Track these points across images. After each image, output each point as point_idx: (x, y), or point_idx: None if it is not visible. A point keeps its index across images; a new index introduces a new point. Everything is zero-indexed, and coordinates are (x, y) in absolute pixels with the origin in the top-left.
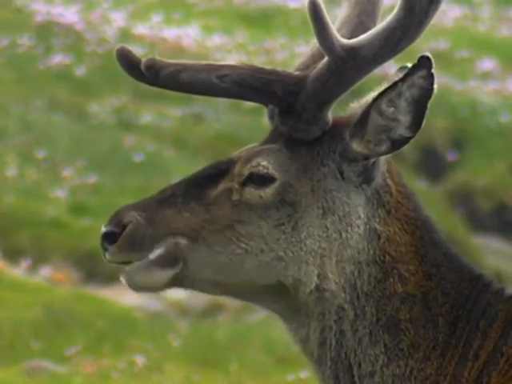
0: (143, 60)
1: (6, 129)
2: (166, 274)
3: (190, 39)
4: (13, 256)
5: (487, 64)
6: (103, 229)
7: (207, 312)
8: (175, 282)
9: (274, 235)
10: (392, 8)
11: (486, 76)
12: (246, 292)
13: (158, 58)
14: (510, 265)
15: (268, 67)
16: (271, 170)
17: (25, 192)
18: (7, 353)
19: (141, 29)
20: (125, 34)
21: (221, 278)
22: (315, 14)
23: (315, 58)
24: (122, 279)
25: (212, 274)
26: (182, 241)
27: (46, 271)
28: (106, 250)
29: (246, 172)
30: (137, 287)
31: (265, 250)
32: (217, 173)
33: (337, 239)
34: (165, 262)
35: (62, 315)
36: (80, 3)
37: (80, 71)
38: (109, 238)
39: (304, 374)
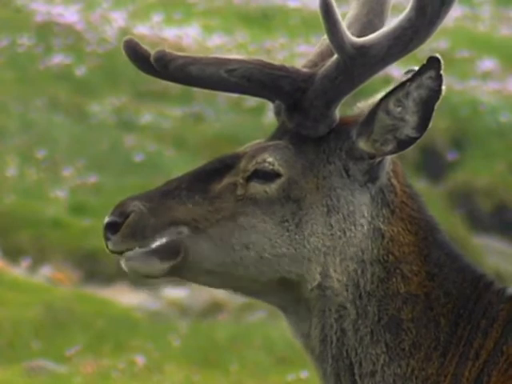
0: (153, 52)
1: (5, 129)
2: (164, 265)
3: (189, 39)
4: (13, 256)
5: (487, 64)
6: (106, 219)
7: (207, 312)
8: (174, 272)
9: (278, 232)
10: (396, 7)
11: (486, 76)
12: (245, 286)
13: (167, 50)
14: (510, 265)
15: (277, 63)
16: (277, 166)
17: (25, 192)
18: (7, 353)
19: (141, 29)
20: (125, 34)
21: (220, 270)
22: (327, 11)
23: (323, 56)
24: (122, 263)
25: (211, 266)
26: (184, 230)
27: (46, 271)
28: (108, 239)
29: (251, 168)
30: (135, 273)
31: (266, 247)
32: (222, 167)
33: (341, 237)
34: (165, 253)
35: (62, 315)
36: (80, 3)
37: (80, 71)
38: (112, 227)
39: (304, 374)
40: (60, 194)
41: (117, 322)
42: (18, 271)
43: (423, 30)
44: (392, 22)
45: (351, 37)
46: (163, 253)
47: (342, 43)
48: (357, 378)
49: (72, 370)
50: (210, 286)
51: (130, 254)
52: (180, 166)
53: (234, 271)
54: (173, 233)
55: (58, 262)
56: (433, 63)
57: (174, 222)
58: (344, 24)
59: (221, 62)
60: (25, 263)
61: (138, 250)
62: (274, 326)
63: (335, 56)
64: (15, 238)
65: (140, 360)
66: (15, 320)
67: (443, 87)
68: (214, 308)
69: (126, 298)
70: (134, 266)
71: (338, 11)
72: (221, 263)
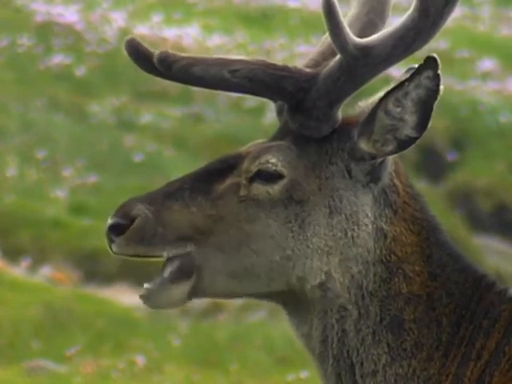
0: (156, 52)
1: (5, 129)
2: (183, 288)
3: (190, 39)
4: (13, 256)
5: (487, 64)
6: (109, 220)
7: (207, 312)
8: (193, 294)
9: (282, 233)
10: (396, 7)
11: (485, 76)
12: (258, 294)
13: (170, 51)
14: (510, 265)
15: (279, 63)
16: (280, 167)
17: (25, 192)
18: (7, 352)
19: (141, 29)
20: (125, 34)
21: (234, 284)
22: (329, 11)
23: (325, 55)
24: (142, 301)
25: (225, 280)
26: (193, 248)
27: (46, 271)
28: (112, 241)
29: (254, 168)
30: (157, 307)
31: (274, 250)
32: (224, 167)
33: (342, 238)
34: (179, 276)
35: (62, 315)
36: (80, 3)
37: (80, 71)
38: (115, 229)
39: (304, 373)
40: (60, 193)
41: (117, 321)
42: (18, 271)
43: (426, 30)
44: (395, 23)
45: (354, 37)
46: (177, 277)
47: (344, 44)
48: (358, 378)
49: (72, 369)
50: (227, 297)
51: (145, 291)
52: (180, 166)
53: (246, 280)
54: (181, 253)
55: (57, 262)
56: (430, 63)
57: (180, 237)
58: (346, 24)
59: (224, 62)
60: (25, 263)
61: (151, 284)
62: (274, 325)
63: (338, 56)
64: (15, 237)
65: (140, 360)
66: (15, 320)
67: (441, 87)
68: (214, 308)
69: (126, 297)
70: (155, 301)
71: (340, 11)
72: (233, 273)
